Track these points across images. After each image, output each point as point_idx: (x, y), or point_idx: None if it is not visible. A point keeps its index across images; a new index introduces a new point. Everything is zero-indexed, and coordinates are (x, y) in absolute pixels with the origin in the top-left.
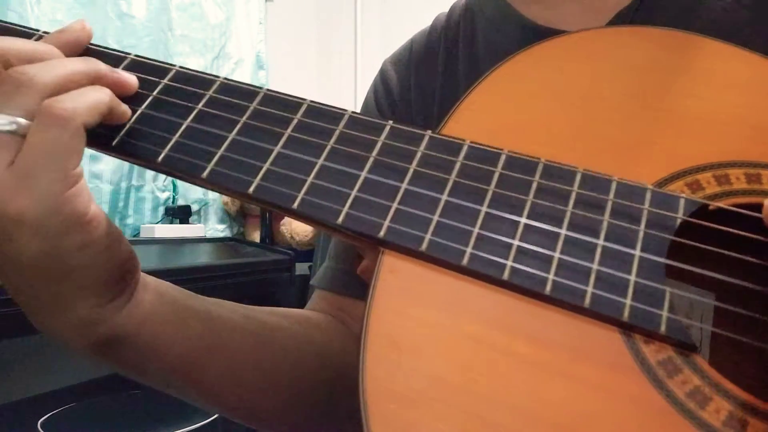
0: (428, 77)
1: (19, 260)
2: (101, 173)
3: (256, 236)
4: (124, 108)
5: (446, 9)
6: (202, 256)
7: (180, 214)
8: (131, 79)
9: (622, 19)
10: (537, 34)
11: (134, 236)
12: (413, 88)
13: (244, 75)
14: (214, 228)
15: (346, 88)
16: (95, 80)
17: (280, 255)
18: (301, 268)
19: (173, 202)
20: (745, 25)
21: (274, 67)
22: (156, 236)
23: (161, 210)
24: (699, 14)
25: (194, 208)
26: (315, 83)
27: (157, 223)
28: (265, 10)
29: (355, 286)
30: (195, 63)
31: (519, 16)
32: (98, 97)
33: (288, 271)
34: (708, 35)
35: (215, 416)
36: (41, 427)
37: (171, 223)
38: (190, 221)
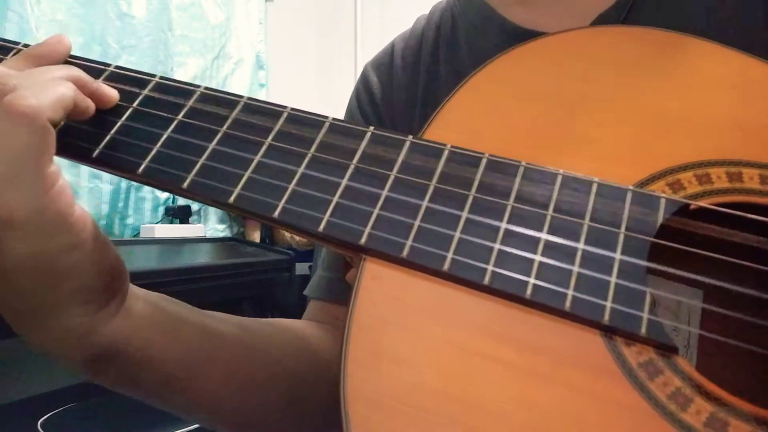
0: (410, 80)
1: (6, 265)
2: (101, 173)
3: (256, 236)
4: (88, 103)
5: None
6: (202, 256)
7: (180, 214)
8: (111, 92)
9: (604, 19)
10: (519, 36)
11: (134, 236)
12: (395, 91)
13: (244, 75)
14: (214, 228)
15: (346, 88)
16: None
17: (280, 255)
18: (301, 268)
19: (173, 202)
20: (729, 16)
21: (274, 67)
22: (156, 236)
23: (161, 210)
24: (685, 15)
25: (194, 207)
26: (315, 83)
27: (157, 223)
28: (265, 10)
29: (348, 293)
30: (195, 63)
31: (501, 19)
32: (62, 91)
33: (288, 271)
34: (692, 30)
35: None
36: (41, 427)
37: (171, 223)
38: (190, 221)
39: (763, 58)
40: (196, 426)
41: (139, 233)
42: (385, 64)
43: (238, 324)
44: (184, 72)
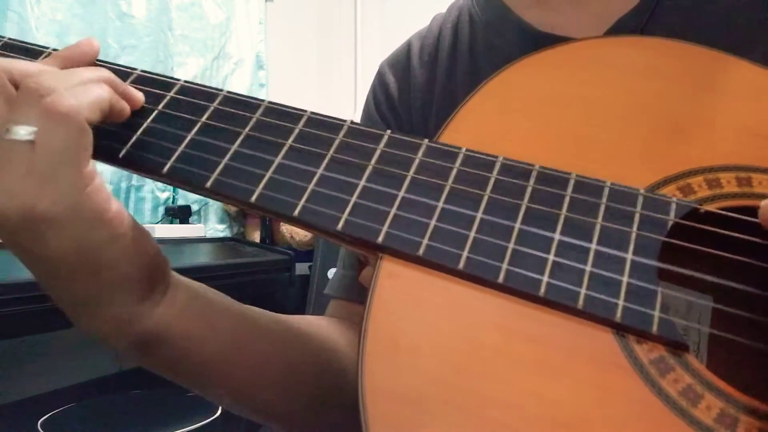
0: (427, 80)
1: (52, 260)
2: (101, 173)
3: (256, 236)
4: (123, 105)
5: (444, 11)
6: (202, 256)
7: (180, 214)
8: (138, 94)
9: (623, 24)
10: (537, 38)
11: None
12: (412, 91)
13: (244, 75)
14: (214, 228)
15: (346, 88)
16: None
17: (280, 255)
18: (301, 268)
19: (173, 202)
20: (747, 29)
21: (274, 67)
22: (156, 236)
23: (161, 210)
24: (702, 21)
25: (194, 208)
26: (315, 83)
27: (157, 223)
28: (265, 10)
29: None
30: (195, 63)
31: (519, 21)
32: (99, 93)
33: (288, 271)
34: (710, 42)
35: (215, 416)
36: (41, 427)
37: (171, 223)
38: (190, 221)
39: None
40: (196, 426)
41: None
42: (401, 63)
43: (271, 317)
44: (184, 72)
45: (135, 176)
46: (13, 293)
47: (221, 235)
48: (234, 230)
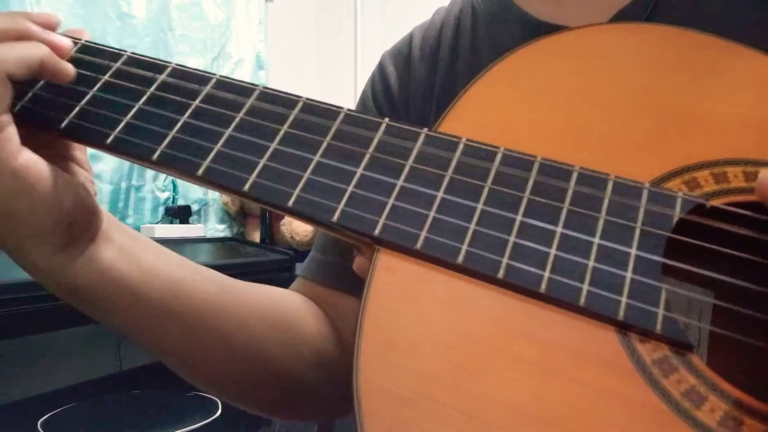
0: (428, 71)
1: None
2: (101, 173)
3: (256, 236)
4: (65, 66)
5: (446, 5)
6: (202, 256)
7: (180, 214)
8: (64, 41)
9: (625, 14)
10: (538, 29)
11: None
12: (412, 83)
13: (244, 75)
14: (214, 228)
15: (346, 88)
16: (22, 36)
17: (280, 255)
18: (301, 268)
19: (173, 202)
20: (748, 23)
21: (274, 67)
22: (156, 236)
23: (161, 210)
24: (707, 12)
25: (194, 208)
26: (315, 83)
27: (157, 223)
28: (265, 10)
29: (339, 278)
30: (195, 63)
31: (520, 12)
32: (29, 50)
33: (288, 271)
34: (714, 27)
35: (215, 416)
36: (41, 427)
37: (171, 223)
38: (190, 221)
39: None
40: (196, 426)
41: None
42: (403, 54)
43: (218, 282)
44: None
45: (135, 176)
46: (13, 293)
47: (221, 235)
48: (234, 230)
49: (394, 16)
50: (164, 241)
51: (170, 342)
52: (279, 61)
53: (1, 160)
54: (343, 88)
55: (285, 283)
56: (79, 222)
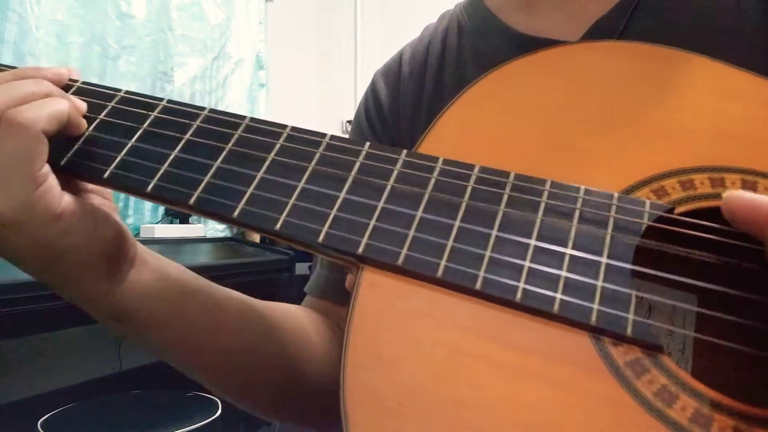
0: (416, 87)
1: (14, 253)
2: None
3: (256, 236)
4: (82, 119)
5: (444, 9)
6: (202, 256)
7: (180, 214)
8: (80, 104)
9: (603, 24)
10: (521, 42)
11: (134, 236)
12: (402, 98)
13: (244, 75)
14: (214, 228)
15: (346, 88)
16: (48, 96)
17: (280, 255)
18: (301, 268)
19: None
20: (729, 27)
21: (274, 67)
22: (156, 236)
23: (161, 210)
24: (683, 19)
25: None
26: (315, 83)
27: (157, 223)
28: (265, 10)
29: (343, 293)
30: (195, 63)
31: (503, 26)
32: (58, 106)
33: (288, 271)
34: (691, 39)
35: (215, 416)
36: (41, 427)
37: (171, 223)
38: (190, 221)
39: (757, 65)
40: (196, 426)
41: (139, 233)
42: (393, 71)
43: (241, 300)
44: (184, 72)
45: None
46: (13, 293)
47: (221, 235)
48: (234, 230)
49: (394, 16)
50: (164, 241)
51: (205, 360)
52: (279, 61)
53: (47, 208)
54: (342, 88)
55: (285, 283)
56: (120, 250)
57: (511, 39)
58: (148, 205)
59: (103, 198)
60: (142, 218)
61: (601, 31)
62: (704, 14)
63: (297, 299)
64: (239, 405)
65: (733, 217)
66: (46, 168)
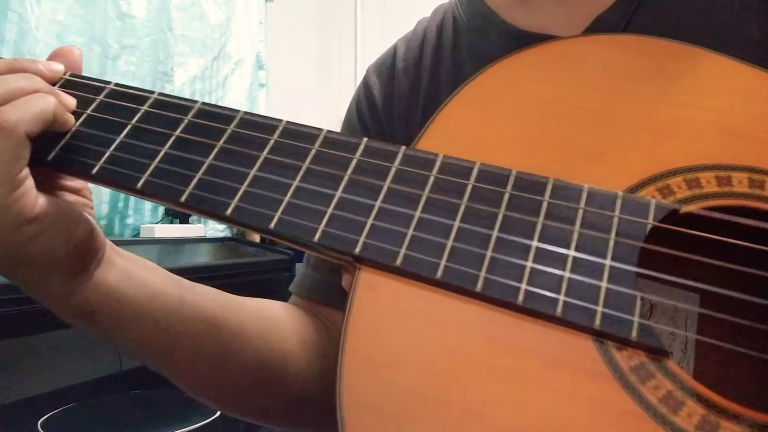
0: (412, 83)
1: None
2: None
3: (256, 236)
4: (68, 116)
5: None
6: (202, 256)
7: (180, 213)
8: (69, 99)
9: (603, 20)
10: (519, 38)
11: (134, 236)
12: (396, 94)
13: (244, 75)
14: (214, 228)
15: (346, 88)
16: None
17: (280, 255)
18: (300, 268)
19: None
20: (728, 24)
21: (274, 67)
22: (156, 236)
23: (161, 210)
24: (684, 15)
25: None
26: (315, 83)
27: (157, 223)
28: (265, 10)
29: (331, 294)
30: (195, 63)
31: (501, 22)
32: (42, 106)
33: (288, 271)
34: (692, 35)
35: (215, 416)
36: (41, 427)
37: (171, 223)
38: (190, 221)
39: (760, 61)
40: (196, 426)
41: (139, 233)
42: (386, 66)
43: (214, 299)
44: (184, 72)
45: None
46: (13, 293)
47: (221, 235)
48: (234, 230)
49: (394, 16)
50: (164, 241)
51: (172, 361)
52: (279, 61)
53: (20, 212)
54: (342, 88)
55: (285, 283)
56: (88, 250)
57: (509, 35)
58: (148, 205)
59: (78, 195)
60: (142, 218)
61: (601, 27)
62: (705, 10)
63: None
64: (225, 411)
65: None
66: (26, 171)
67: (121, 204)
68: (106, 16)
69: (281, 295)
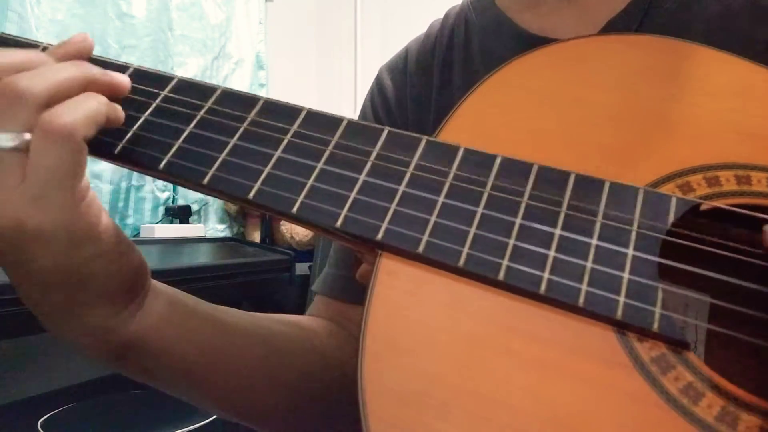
0: (424, 85)
1: (36, 274)
2: (101, 173)
3: (256, 236)
4: (120, 113)
5: (446, 9)
6: (202, 256)
7: (180, 214)
8: (123, 79)
9: (613, 26)
10: (531, 42)
11: (134, 236)
12: (409, 96)
13: (244, 75)
14: (214, 228)
15: (346, 88)
16: (88, 85)
17: (280, 255)
18: (301, 268)
19: (173, 202)
20: (739, 30)
21: (274, 67)
22: (156, 236)
23: (161, 210)
24: (694, 21)
25: (194, 208)
26: (315, 83)
27: (157, 223)
28: (265, 10)
29: (355, 291)
30: (195, 63)
31: (513, 25)
32: (94, 107)
33: (288, 271)
34: (702, 41)
35: (215, 416)
36: (41, 427)
37: (171, 223)
38: (190, 221)
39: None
40: (196, 426)
41: (139, 233)
42: (399, 68)
43: (250, 320)
44: (183, 72)
45: (135, 176)
46: (13, 293)
47: (221, 235)
48: (234, 230)
49: (394, 16)
50: (164, 241)
51: (218, 385)
52: (279, 61)
53: (87, 228)
54: (342, 88)
55: (285, 283)
56: (141, 278)
57: (521, 39)
58: (148, 204)
59: None
60: (142, 218)
61: (613, 31)
62: (717, 15)
63: (297, 299)
64: (257, 426)
65: None
66: (87, 180)
67: (121, 204)
68: (106, 16)
69: (281, 295)
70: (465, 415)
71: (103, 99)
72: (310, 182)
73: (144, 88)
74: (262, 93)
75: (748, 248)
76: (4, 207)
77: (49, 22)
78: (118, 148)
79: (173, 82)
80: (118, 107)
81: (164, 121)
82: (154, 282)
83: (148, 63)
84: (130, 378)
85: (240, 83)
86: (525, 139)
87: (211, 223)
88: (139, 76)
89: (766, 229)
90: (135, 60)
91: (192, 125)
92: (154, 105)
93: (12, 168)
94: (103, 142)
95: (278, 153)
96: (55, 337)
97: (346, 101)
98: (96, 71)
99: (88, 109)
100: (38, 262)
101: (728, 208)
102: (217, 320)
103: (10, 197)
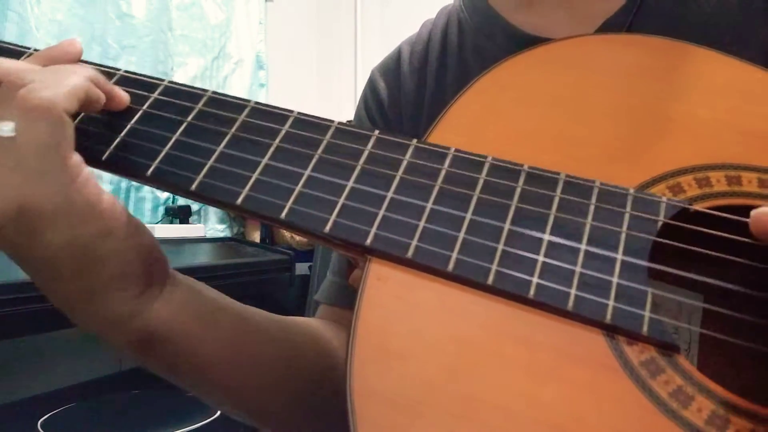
0: (417, 85)
1: (45, 254)
2: (101, 173)
3: (256, 236)
4: (99, 94)
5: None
6: (202, 256)
7: (180, 214)
8: (123, 94)
9: (609, 26)
10: (524, 42)
11: None
12: (402, 96)
13: (244, 75)
14: (214, 228)
15: (346, 88)
16: (90, 88)
17: (280, 255)
18: (301, 268)
19: (173, 202)
20: (733, 28)
21: (274, 67)
22: (156, 236)
23: (161, 210)
24: (688, 20)
25: (194, 207)
26: (315, 83)
27: (157, 223)
28: (265, 10)
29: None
30: (195, 63)
31: (506, 25)
32: (74, 81)
33: (288, 271)
34: (696, 40)
35: (215, 416)
36: (41, 427)
37: (171, 223)
38: (190, 221)
39: (764, 64)
40: (196, 426)
41: None
42: (392, 69)
43: (268, 317)
44: (184, 72)
45: None
46: (13, 293)
47: (221, 235)
48: (234, 230)
49: (394, 16)
50: (164, 241)
51: (237, 382)
52: (279, 61)
53: (87, 204)
54: (342, 88)
55: (285, 283)
56: (158, 263)
57: (514, 39)
58: (148, 204)
59: None
60: (142, 218)
61: (607, 32)
62: (709, 14)
63: (297, 299)
64: (266, 427)
65: (763, 235)
66: (78, 157)
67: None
68: (106, 16)
69: (281, 295)
70: (455, 420)
71: (82, 75)
72: (298, 187)
73: (132, 92)
74: (262, 93)
75: (740, 238)
76: (5, 189)
77: (49, 22)
78: (106, 154)
79: (161, 88)
80: (97, 89)
81: (152, 128)
82: (174, 272)
83: (148, 63)
84: (151, 371)
85: (240, 83)
86: (516, 140)
87: (211, 223)
88: (127, 81)
89: (752, 214)
90: (135, 60)
91: (179, 131)
92: (141, 111)
93: (7, 152)
94: (91, 149)
95: (266, 159)
96: (81, 328)
97: (346, 101)
98: (101, 77)
99: (67, 84)
100: (44, 242)
101: (714, 212)
102: (237, 314)
103: (8, 179)
